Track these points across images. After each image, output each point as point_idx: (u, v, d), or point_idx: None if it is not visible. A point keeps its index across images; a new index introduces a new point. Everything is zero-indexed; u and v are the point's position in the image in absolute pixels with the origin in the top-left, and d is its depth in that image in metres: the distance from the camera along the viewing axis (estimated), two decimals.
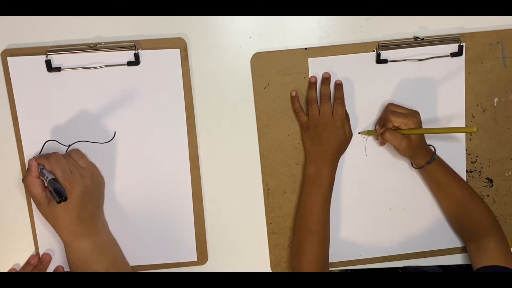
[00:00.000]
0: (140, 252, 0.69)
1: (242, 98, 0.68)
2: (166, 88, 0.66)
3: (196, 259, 0.70)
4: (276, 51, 0.67)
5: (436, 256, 0.72)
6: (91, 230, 0.62)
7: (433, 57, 0.68)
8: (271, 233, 0.71)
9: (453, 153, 0.70)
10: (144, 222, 0.69)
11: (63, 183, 0.58)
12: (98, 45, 0.65)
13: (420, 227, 0.71)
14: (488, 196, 0.72)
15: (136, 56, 0.65)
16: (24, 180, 0.61)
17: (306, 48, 0.67)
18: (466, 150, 0.71)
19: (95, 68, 0.65)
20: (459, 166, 0.70)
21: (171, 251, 0.70)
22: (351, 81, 0.68)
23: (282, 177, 0.70)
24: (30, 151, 0.66)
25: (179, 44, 0.66)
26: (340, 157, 0.67)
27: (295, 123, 0.69)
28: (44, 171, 0.60)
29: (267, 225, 0.71)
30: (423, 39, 0.67)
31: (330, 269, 0.70)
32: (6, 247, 0.69)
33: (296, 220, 0.69)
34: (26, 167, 0.63)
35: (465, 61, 0.68)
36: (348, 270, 0.74)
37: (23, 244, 0.68)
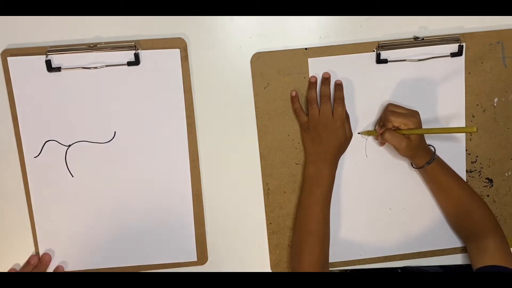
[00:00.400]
0: (140, 252, 0.69)
1: (242, 98, 0.68)
2: (166, 88, 0.66)
3: (196, 259, 0.70)
4: (276, 51, 0.67)
5: (436, 256, 0.72)
6: None
7: (433, 57, 0.68)
8: (271, 233, 0.71)
9: (453, 153, 0.70)
10: (144, 222, 0.69)
11: None
12: (98, 45, 0.65)
13: (420, 227, 0.71)
14: (488, 196, 0.72)
15: (136, 56, 0.65)
16: None
17: (306, 48, 0.67)
18: (466, 150, 0.71)
19: (95, 68, 0.65)
20: (459, 166, 0.70)
21: (171, 251, 0.70)
22: (351, 81, 0.68)
23: (282, 177, 0.70)
24: (30, 151, 0.66)
25: (179, 44, 0.65)
26: (340, 157, 0.67)
27: (295, 123, 0.69)
28: None
29: (267, 225, 0.71)
30: (423, 39, 0.67)
31: (330, 269, 0.70)
32: (6, 247, 0.69)
33: (296, 220, 0.69)
34: (26, 167, 0.62)
35: (465, 61, 0.68)
36: (347, 270, 0.74)
37: (23, 244, 0.68)
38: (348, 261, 0.71)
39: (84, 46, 0.65)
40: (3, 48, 0.64)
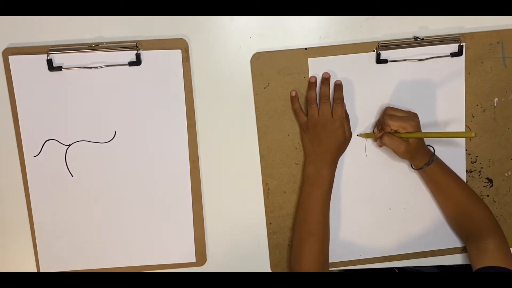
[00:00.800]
0: (139, 253, 0.69)
1: (242, 98, 0.68)
2: (167, 89, 0.67)
3: (194, 260, 0.70)
4: (276, 51, 0.67)
5: (436, 256, 0.72)
6: None
7: (433, 57, 0.68)
8: (271, 233, 0.71)
9: (453, 153, 0.70)
10: (143, 223, 0.69)
11: None
12: (99, 45, 0.65)
13: (420, 227, 0.71)
14: (488, 196, 0.72)
15: (138, 56, 0.65)
16: None
17: (306, 48, 0.67)
18: (466, 150, 0.71)
19: (96, 67, 0.65)
20: (459, 166, 0.70)
21: (170, 252, 0.70)
22: (351, 81, 0.68)
23: (282, 177, 0.70)
24: (30, 150, 0.66)
25: (181, 44, 0.66)
26: (339, 157, 0.67)
27: (295, 123, 0.69)
28: None
29: (267, 225, 0.70)
30: (423, 39, 0.67)
31: (330, 269, 0.70)
32: (6, 247, 0.69)
33: (295, 220, 0.68)
34: (26, 166, 0.62)
35: (465, 61, 0.68)
36: (344, 270, 0.74)
37: (22, 244, 0.68)
38: (348, 261, 0.71)
39: (86, 46, 0.65)
40: (4, 47, 0.65)
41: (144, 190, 0.68)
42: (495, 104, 0.70)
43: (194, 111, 0.68)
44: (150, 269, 0.70)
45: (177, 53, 0.66)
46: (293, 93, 0.67)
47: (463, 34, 0.67)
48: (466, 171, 0.71)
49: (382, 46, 0.67)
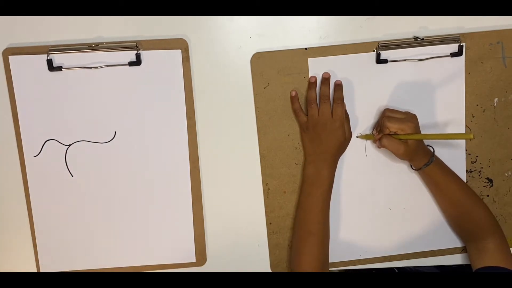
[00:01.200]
0: (139, 253, 0.69)
1: (242, 98, 0.68)
2: (167, 89, 0.67)
3: (194, 260, 0.70)
4: (276, 51, 0.67)
5: (436, 256, 0.72)
6: None
7: (433, 57, 0.68)
8: (271, 233, 0.71)
9: (453, 153, 0.70)
10: (143, 223, 0.69)
11: None
12: (99, 45, 0.65)
13: (420, 227, 0.71)
14: (488, 196, 0.72)
15: (138, 56, 0.65)
16: None
17: (306, 48, 0.67)
18: (466, 150, 0.71)
19: (97, 68, 0.65)
20: (459, 166, 0.70)
21: (169, 252, 0.70)
22: (351, 81, 0.68)
23: (282, 177, 0.70)
24: (30, 150, 0.66)
25: (181, 44, 0.66)
26: (339, 157, 0.67)
27: (295, 123, 0.69)
28: None
29: (267, 225, 0.70)
30: (423, 39, 0.67)
31: (330, 269, 0.70)
32: (6, 247, 0.69)
33: (295, 220, 0.68)
34: (26, 166, 0.63)
35: (465, 61, 0.68)
36: (344, 270, 0.74)
37: (22, 244, 0.68)
38: (348, 261, 0.71)
39: (86, 46, 0.65)
40: (4, 47, 0.65)
41: (144, 190, 0.68)
42: (495, 104, 0.70)
43: (194, 111, 0.68)
44: (150, 269, 0.70)
45: (177, 53, 0.66)
46: (293, 93, 0.67)
47: (463, 34, 0.67)
48: (466, 171, 0.71)
49: (382, 46, 0.67)
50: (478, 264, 0.65)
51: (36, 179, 0.67)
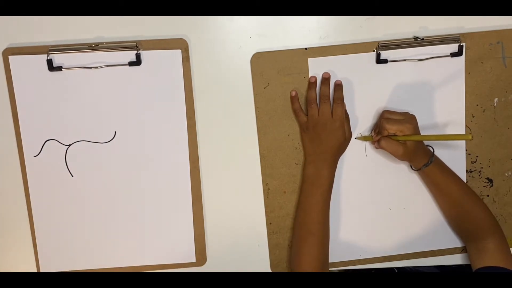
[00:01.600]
0: (138, 253, 0.69)
1: (242, 98, 0.68)
2: (167, 89, 0.67)
3: (194, 260, 0.70)
4: (276, 51, 0.67)
5: (436, 256, 0.72)
6: None
7: (433, 57, 0.68)
8: (271, 233, 0.71)
9: (453, 153, 0.70)
10: (143, 223, 0.69)
11: None
12: (99, 45, 0.65)
13: (420, 227, 0.71)
14: (488, 196, 0.72)
15: (138, 56, 0.65)
16: None
17: (306, 48, 0.67)
18: (466, 150, 0.71)
19: (97, 68, 0.65)
20: (459, 166, 0.70)
21: (169, 252, 0.70)
22: (351, 81, 0.68)
23: (282, 177, 0.70)
24: (30, 150, 0.66)
25: (181, 44, 0.66)
26: (339, 157, 0.67)
27: (295, 123, 0.69)
28: None
29: (267, 225, 0.70)
30: (423, 39, 0.67)
31: (330, 269, 0.70)
32: (6, 247, 0.69)
33: (295, 220, 0.68)
34: (26, 166, 0.63)
35: (465, 61, 0.68)
36: (344, 270, 0.74)
37: (22, 244, 0.68)
38: (348, 261, 0.71)
39: (86, 46, 0.65)
40: (4, 47, 0.65)
41: (144, 190, 0.68)
42: (495, 104, 0.70)
43: (194, 111, 0.68)
44: (150, 269, 0.70)
45: (177, 53, 0.66)
46: (293, 93, 0.67)
47: (463, 34, 0.67)
48: (466, 171, 0.71)
49: (382, 46, 0.67)
50: (478, 264, 0.65)
51: (36, 179, 0.67)
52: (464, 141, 0.71)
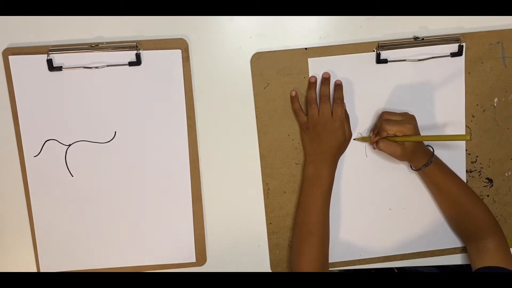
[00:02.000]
0: (139, 253, 0.69)
1: (242, 98, 0.68)
2: (167, 89, 0.67)
3: (194, 260, 0.70)
4: (276, 51, 0.67)
5: (436, 256, 0.72)
6: None
7: (433, 57, 0.68)
8: (271, 233, 0.71)
9: (453, 153, 0.70)
10: (143, 223, 0.69)
11: None
12: (99, 45, 0.65)
13: (420, 227, 0.71)
14: (488, 196, 0.72)
15: (138, 56, 0.65)
16: None
17: (306, 48, 0.67)
18: (466, 150, 0.71)
19: (97, 68, 0.65)
20: (459, 166, 0.70)
21: (169, 252, 0.70)
22: (351, 81, 0.68)
23: (282, 177, 0.70)
24: (30, 150, 0.66)
25: (181, 44, 0.66)
26: (339, 157, 0.67)
27: (295, 123, 0.69)
28: None
29: (267, 225, 0.70)
30: (423, 39, 0.67)
31: (330, 269, 0.70)
32: (6, 247, 0.69)
33: (295, 220, 0.68)
34: (26, 166, 0.63)
35: (465, 61, 0.68)
36: (344, 270, 0.74)
37: (22, 244, 0.68)
38: (348, 261, 0.71)
39: (86, 46, 0.65)
40: (4, 47, 0.65)
41: (144, 190, 0.68)
42: (495, 104, 0.70)
43: (194, 111, 0.68)
44: (150, 269, 0.70)
45: (177, 53, 0.66)
46: (293, 93, 0.67)
47: (463, 34, 0.67)
48: (466, 171, 0.71)
49: (382, 46, 0.67)
50: (478, 264, 0.65)
51: (36, 179, 0.67)
52: (464, 142, 0.71)
